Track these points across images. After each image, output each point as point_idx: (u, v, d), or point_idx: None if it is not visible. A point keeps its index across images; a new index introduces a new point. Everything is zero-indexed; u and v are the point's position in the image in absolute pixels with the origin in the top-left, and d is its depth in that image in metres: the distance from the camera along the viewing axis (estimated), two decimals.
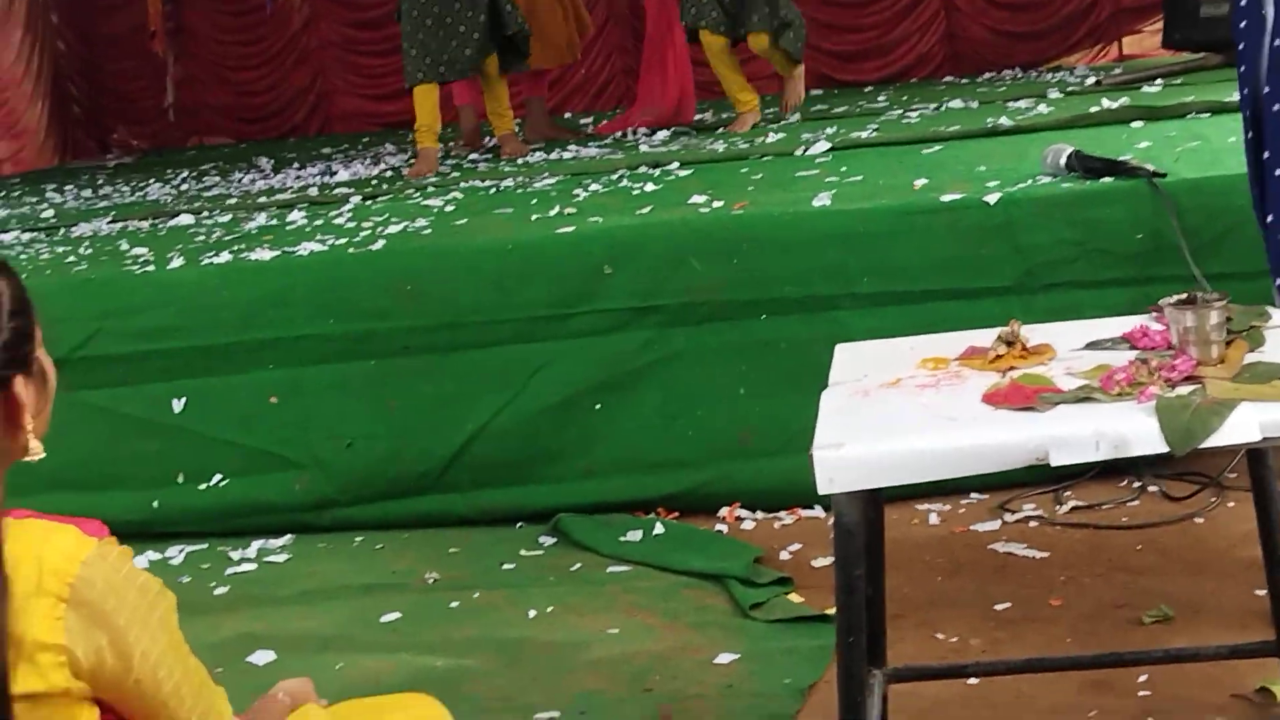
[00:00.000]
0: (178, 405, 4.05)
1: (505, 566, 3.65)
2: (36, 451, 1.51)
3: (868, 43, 7.78)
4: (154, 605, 1.52)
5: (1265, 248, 3.09)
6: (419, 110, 5.86)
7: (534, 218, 4.32)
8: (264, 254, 4.22)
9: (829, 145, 5.00)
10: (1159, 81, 5.78)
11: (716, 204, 4.10)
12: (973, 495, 3.74)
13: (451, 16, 5.79)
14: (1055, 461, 2.07)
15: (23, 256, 4.80)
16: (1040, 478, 3.70)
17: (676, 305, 3.87)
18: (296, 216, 4.94)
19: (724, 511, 3.82)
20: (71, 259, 4.63)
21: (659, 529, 3.71)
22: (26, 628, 1.42)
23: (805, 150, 4.97)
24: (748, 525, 3.76)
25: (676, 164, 5.05)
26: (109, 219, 5.47)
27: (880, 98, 6.69)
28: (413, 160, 6.05)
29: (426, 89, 5.83)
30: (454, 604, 3.43)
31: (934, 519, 3.64)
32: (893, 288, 3.81)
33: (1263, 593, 2.74)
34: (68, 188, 6.85)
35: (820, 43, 7.82)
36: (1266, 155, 2.99)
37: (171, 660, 1.53)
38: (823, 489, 2.09)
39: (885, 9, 7.76)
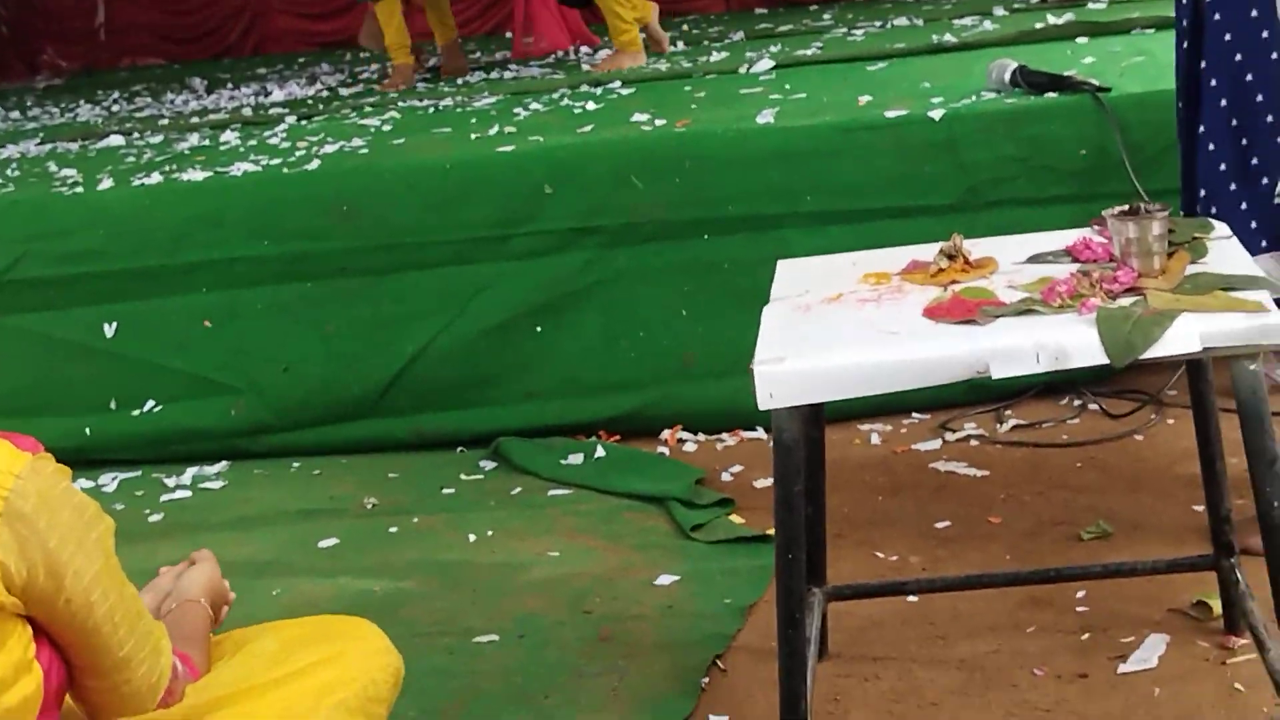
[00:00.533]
0: (109, 330, 3.97)
1: (445, 491, 3.61)
2: None
3: None
4: (90, 526, 1.50)
5: (1187, 159, 3.08)
6: (385, 29, 5.72)
7: (474, 137, 4.24)
8: (196, 174, 4.12)
9: (773, 63, 4.94)
10: None
11: (659, 122, 4.04)
12: (914, 415, 3.73)
13: None
14: (996, 374, 2.05)
15: None
16: (982, 397, 3.70)
17: (618, 225, 3.81)
18: (230, 137, 4.84)
19: (666, 434, 3.79)
20: None
21: (600, 452, 3.68)
22: None
23: (749, 68, 4.91)
24: (689, 447, 3.73)
25: (619, 83, 4.97)
26: (37, 140, 5.35)
27: (825, 16, 6.62)
28: (383, 78, 5.94)
29: (387, 6, 5.66)
30: (393, 529, 3.39)
31: (875, 439, 3.63)
32: (837, 206, 3.77)
33: (1200, 509, 2.75)
34: None
35: None
36: (1204, 65, 2.97)
37: (106, 584, 1.50)
38: (763, 404, 2.06)
39: None
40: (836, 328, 2.23)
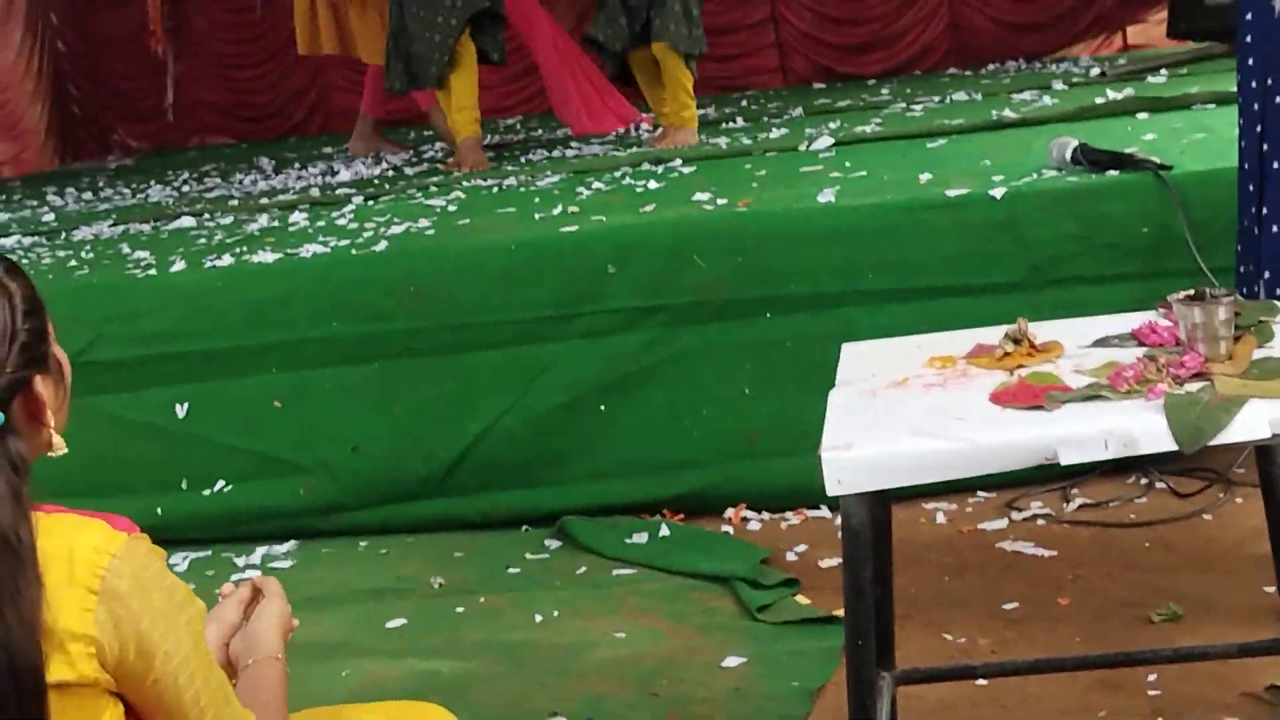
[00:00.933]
0: (181, 410, 4.03)
1: (511, 570, 3.63)
2: (60, 447, 1.56)
3: (871, 35, 7.74)
4: (181, 608, 1.53)
5: (1246, 242, 3.07)
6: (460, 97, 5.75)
7: (537, 216, 4.29)
8: (266, 256, 4.20)
9: (832, 140, 4.97)
10: (1164, 72, 5.76)
11: (720, 201, 4.08)
12: (980, 494, 3.72)
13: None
14: (1064, 461, 2.06)
15: (24, 261, 4.78)
16: (1048, 475, 3.68)
17: (681, 304, 3.85)
18: (299, 217, 4.92)
19: (730, 512, 3.80)
20: (73, 263, 4.61)
21: (665, 531, 3.69)
22: (58, 617, 1.45)
23: (809, 145, 4.95)
24: (754, 526, 3.74)
25: (679, 160, 5.02)
26: (110, 222, 5.45)
27: (883, 91, 6.67)
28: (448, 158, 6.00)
29: (464, 75, 5.64)
30: (460, 608, 3.41)
31: (941, 518, 3.62)
32: (899, 284, 3.79)
33: (1272, 589, 2.73)
34: (68, 190, 6.82)
35: (823, 35, 7.80)
36: (1266, 147, 2.98)
37: (194, 667, 1.53)
38: (831, 491, 2.07)
39: (888, 1, 7.73)
40: (903, 413, 2.24)
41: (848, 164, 4.49)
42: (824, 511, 3.71)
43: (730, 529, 3.73)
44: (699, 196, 4.15)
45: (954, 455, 2.10)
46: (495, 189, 5.03)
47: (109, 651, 1.46)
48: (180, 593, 1.54)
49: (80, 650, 1.45)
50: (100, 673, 1.46)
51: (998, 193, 3.76)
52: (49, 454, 1.57)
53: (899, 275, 3.79)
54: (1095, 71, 6.16)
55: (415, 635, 3.30)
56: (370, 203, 5.08)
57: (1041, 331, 2.46)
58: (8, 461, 1.46)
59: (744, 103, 6.90)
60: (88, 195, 6.65)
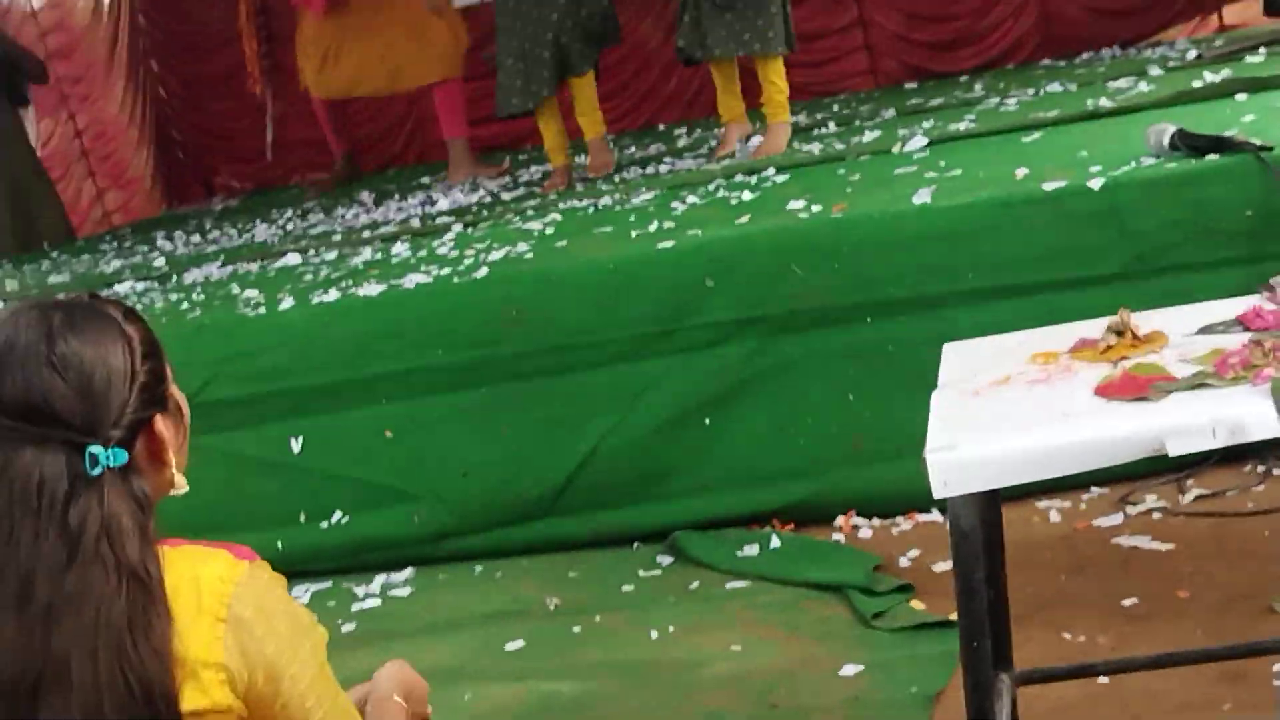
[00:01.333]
0: (296, 445, 4.12)
1: (624, 588, 3.65)
2: (181, 485, 1.61)
3: (960, 31, 7.67)
4: (304, 633, 1.57)
5: None
6: (545, 133, 5.83)
7: (634, 235, 4.32)
8: (372, 289, 4.27)
9: (926, 140, 4.94)
10: (1262, 51, 5.64)
11: (815, 208, 4.07)
12: (1093, 489, 3.68)
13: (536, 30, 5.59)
14: (1173, 452, 2.03)
15: (139, 305, 4.91)
16: (1161, 468, 3.63)
17: (781, 314, 3.85)
18: (401, 249, 5.00)
19: (840, 520, 3.79)
20: (185, 305, 4.73)
21: (775, 542, 3.69)
22: (189, 647, 1.50)
23: (902, 147, 4.92)
24: (865, 533, 3.73)
25: (772, 169, 5.02)
26: (218, 263, 5.57)
27: (976, 87, 6.60)
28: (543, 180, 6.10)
29: (548, 110, 5.74)
30: (576, 628, 3.44)
31: (1054, 516, 3.58)
32: (1000, 282, 3.76)
33: None
34: (176, 234, 6.98)
35: (911, 34, 7.75)
36: None
37: (320, 691, 1.57)
38: (938, 493, 2.07)
39: None
40: (1007, 411, 2.23)
41: (942, 163, 4.46)
42: (935, 515, 3.69)
43: (841, 537, 3.73)
44: (793, 205, 4.15)
45: (1060, 451, 2.09)
46: (591, 209, 5.07)
47: (239, 678, 1.51)
48: (303, 618, 1.58)
49: (212, 678, 1.50)
50: (233, 699, 1.51)
51: (1096, 183, 3.72)
52: (171, 493, 1.61)
53: (999, 273, 3.76)
54: (1192, 54, 6.05)
55: (534, 657, 3.34)
56: (469, 230, 5.15)
57: (1144, 322, 2.44)
58: (133, 499, 1.51)
59: (835, 107, 6.88)
60: (195, 238, 6.80)
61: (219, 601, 1.51)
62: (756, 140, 5.64)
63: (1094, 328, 2.46)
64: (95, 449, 1.49)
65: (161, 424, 1.57)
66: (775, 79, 5.49)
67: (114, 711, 1.45)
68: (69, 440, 1.49)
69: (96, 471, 1.49)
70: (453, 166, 6.99)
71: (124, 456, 1.52)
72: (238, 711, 1.52)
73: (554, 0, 5.55)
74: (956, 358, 2.59)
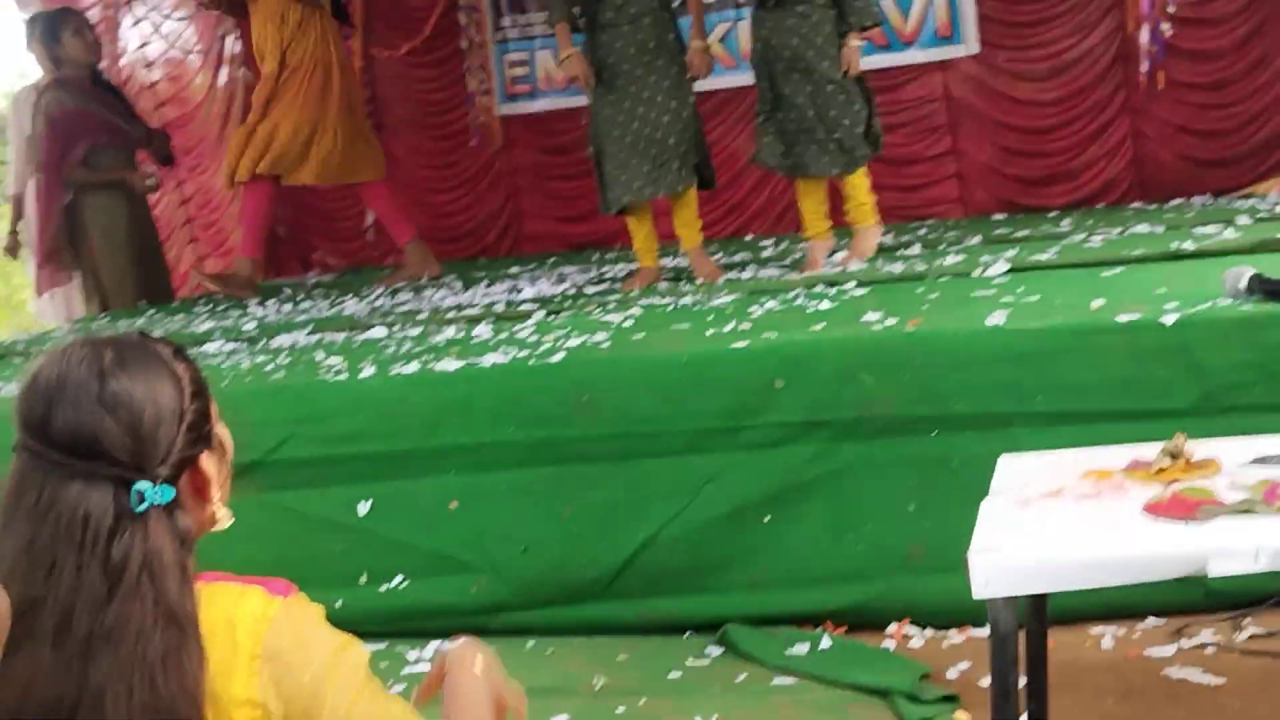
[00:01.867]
0: (363, 508, 4.20)
1: (672, 675, 3.68)
2: (224, 520, 1.64)
3: (1053, 168, 7.74)
4: (341, 652, 1.60)
5: None
6: (635, 235, 5.95)
7: (709, 333, 4.40)
8: (449, 364, 4.38)
9: (1008, 266, 5.00)
10: None
11: (890, 321, 4.14)
12: (1149, 620, 3.67)
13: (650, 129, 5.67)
14: (1213, 573, 2.07)
15: (224, 365, 5.04)
16: (1220, 604, 3.62)
17: (847, 419, 3.90)
18: (483, 330, 5.11)
19: (892, 628, 3.81)
20: (270, 367, 4.85)
21: (825, 643, 3.72)
22: (225, 685, 1.53)
23: (983, 271, 4.99)
24: (916, 642, 3.74)
25: (853, 283, 5.10)
26: (307, 331, 5.71)
27: (1064, 223, 6.66)
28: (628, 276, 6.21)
29: (638, 213, 5.85)
30: (620, 709, 3.47)
31: (1107, 642, 3.58)
32: (1066, 407, 3.80)
33: None
34: (270, 302, 7.16)
35: (1004, 167, 7.82)
36: None
37: (366, 705, 1.60)
38: (978, 593, 2.11)
39: (1071, 134, 7.73)
40: (1054, 521, 2.27)
41: (1021, 289, 4.51)
42: (987, 630, 3.68)
43: (892, 644, 3.74)
44: (869, 317, 4.22)
45: (1103, 563, 2.13)
46: (671, 306, 5.16)
47: (274, 712, 1.55)
48: (339, 639, 1.61)
49: (246, 715, 1.54)
50: None
51: (1169, 319, 3.76)
52: (213, 528, 1.65)
53: (1068, 398, 3.80)
54: None
55: None
56: (551, 318, 5.25)
57: (1200, 449, 2.48)
58: (175, 536, 1.54)
59: (923, 231, 6.95)
60: (287, 306, 6.96)
61: (254, 639, 1.55)
62: (842, 255, 5.72)
63: (1150, 450, 2.51)
64: (142, 486, 1.52)
65: (207, 461, 1.61)
66: (860, 185, 5.59)
67: None
68: (117, 476, 1.52)
69: (142, 508, 1.52)
70: (413, 263, 7.40)
71: (170, 493, 1.55)
72: None
73: (654, 100, 5.66)
74: (1011, 469, 2.64)
